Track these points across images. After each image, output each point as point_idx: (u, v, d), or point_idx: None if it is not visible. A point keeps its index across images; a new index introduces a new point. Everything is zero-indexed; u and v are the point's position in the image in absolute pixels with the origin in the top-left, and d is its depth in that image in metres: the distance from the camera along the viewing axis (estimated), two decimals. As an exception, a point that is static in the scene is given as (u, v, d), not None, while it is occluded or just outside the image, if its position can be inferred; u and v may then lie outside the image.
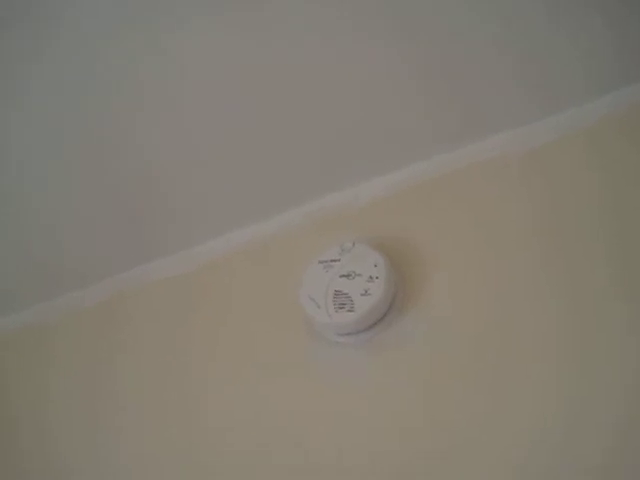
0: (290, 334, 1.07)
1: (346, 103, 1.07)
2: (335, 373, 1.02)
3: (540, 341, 0.93)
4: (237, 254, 1.20)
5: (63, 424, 1.16)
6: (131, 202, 1.18)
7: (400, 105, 1.07)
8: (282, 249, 1.16)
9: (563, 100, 1.08)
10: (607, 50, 1.03)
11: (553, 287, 0.95)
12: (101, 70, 0.99)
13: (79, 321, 1.27)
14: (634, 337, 0.89)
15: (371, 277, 1.00)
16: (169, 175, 1.14)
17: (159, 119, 1.06)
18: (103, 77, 1.00)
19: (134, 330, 1.21)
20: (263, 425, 1.02)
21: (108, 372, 1.18)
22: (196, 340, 1.15)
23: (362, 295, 0.99)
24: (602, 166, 1.02)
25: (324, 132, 1.10)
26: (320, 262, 1.05)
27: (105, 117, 1.04)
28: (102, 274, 1.29)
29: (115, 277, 1.29)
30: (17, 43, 0.93)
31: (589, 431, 0.85)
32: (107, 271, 1.29)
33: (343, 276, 1.02)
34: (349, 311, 0.99)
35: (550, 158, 1.05)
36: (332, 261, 1.04)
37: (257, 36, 0.97)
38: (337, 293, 1.01)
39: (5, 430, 1.22)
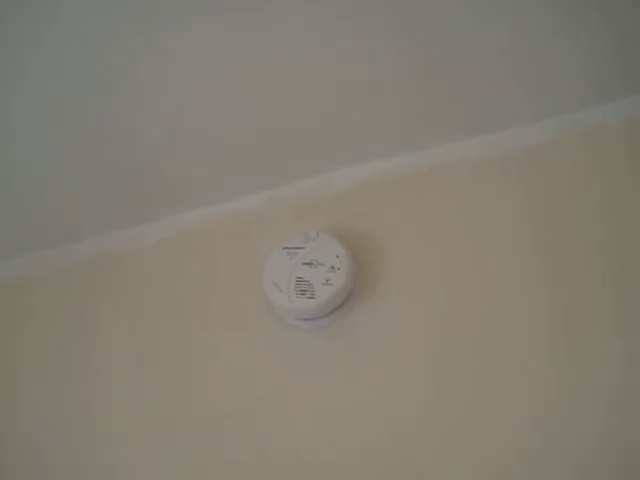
0: (251, 314, 1.11)
1: (337, 97, 1.10)
2: (291, 355, 1.08)
3: (492, 334, 1.01)
4: (206, 230, 1.23)
5: (34, 382, 1.16)
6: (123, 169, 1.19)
7: (390, 101, 1.12)
8: (249, 230, 1.20)
9: (562, 103, 1.13)
10: (608, 57, 1.09)
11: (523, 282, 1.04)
12: (101, 68, 1.00)
13: (65, 276, 1.26)
14: (623, 337, 0.96)
15: (333, 267, 1.05)
16: (157, 146, 1.15)
17: (156, 107, 1.08)
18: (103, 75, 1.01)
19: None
20: (221, 397, 1.07)
21: (87, 330, 1.19)
22: (164, 310, 1.17)
23: (323, 284, 1.04)
24: (599, 169, 1.09)
25: (307, 119, 1.13)
26: (284, 248, 1.09)
27: (104, 101, 1.06)
28: (92, 232, 1.29)
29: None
30: (16, 27, 0.93)
31: (573, 433, 0.92)
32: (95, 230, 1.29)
33: (306, 264, 1.07)
34: (309, 298, 1.04)
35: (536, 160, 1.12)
36: (296, 248, 1.09)
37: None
38: (299, 280, 1.06)
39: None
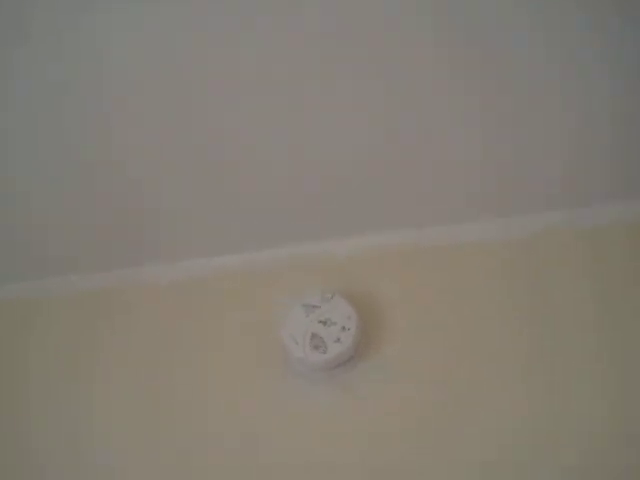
0: (266, 361, 1.27)
1: (354, 174, 1.26)
2: (299, 399, 1.23)
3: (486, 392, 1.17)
4: (226, 277, 1.38)
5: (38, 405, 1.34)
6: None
7: (399, 183, 1.28)
8: (266, 282, 1.36)
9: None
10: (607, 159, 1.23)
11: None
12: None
13: (67, 304, 1.43)
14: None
15: (344, 327, 1.22)
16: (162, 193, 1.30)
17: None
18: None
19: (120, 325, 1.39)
20: (236, 438, 1.22)
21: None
22: (177, 354, 1.33)
23: (334, 342, 1.21)
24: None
25: (323, 185, 1.28)
26: (303, 305, 1.26)
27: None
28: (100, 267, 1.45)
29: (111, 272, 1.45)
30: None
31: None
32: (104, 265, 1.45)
33: (321, 322, 1.23)
34: (322, 353, 1.20)
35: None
36: (313, 307, 1.25)
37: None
38: (314, 335, 1.22)
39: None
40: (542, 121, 1.16)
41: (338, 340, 1.20)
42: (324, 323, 1.23)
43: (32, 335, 1.42)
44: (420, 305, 1.27)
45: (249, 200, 1.31)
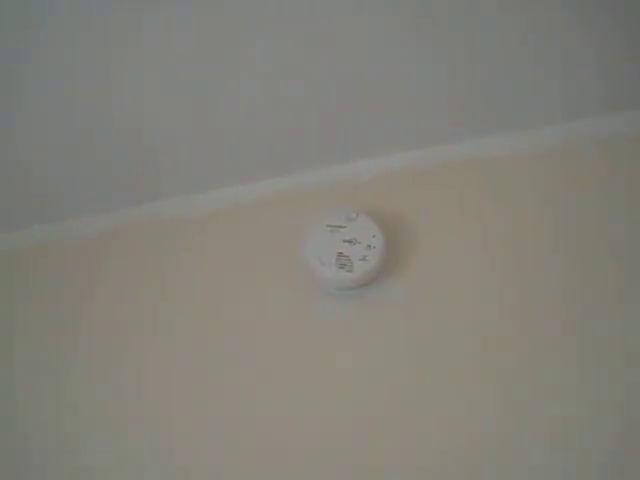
0: (293, 282, 1.27)
1: (373, 87, 1.23)
2: (326, 319, 1.24)
3: (510, 314, 1.16)
4: (246, 206, 1.38)
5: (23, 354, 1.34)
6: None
7: (421, 97, 1.26)
8: (291, 206, 1.35)
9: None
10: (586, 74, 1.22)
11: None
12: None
13: (64, 251, 1.43)
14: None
15: (369, 246, 1.21)
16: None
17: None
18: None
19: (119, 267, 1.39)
20: (265, 359, 1.23)
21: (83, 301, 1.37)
22: (193, 283, 1.33)
23: (360, 260, 1.20)
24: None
25: (344, 105, 1.26)
26: (328, 226, 1.25)
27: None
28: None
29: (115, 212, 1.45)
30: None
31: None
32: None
33: (346, 241, 1.22)
34: (348, 271, 1.20)
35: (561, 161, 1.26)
36: (338, 227, 1.24)
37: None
38: (340, 255, 1.21)
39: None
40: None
41: (364, 258, 1.20)
42: (350, 242, 1.22)
43: (18, 286, 1.42)
44: (446, 223, 1.26)
45: (270, 125, 1.29)
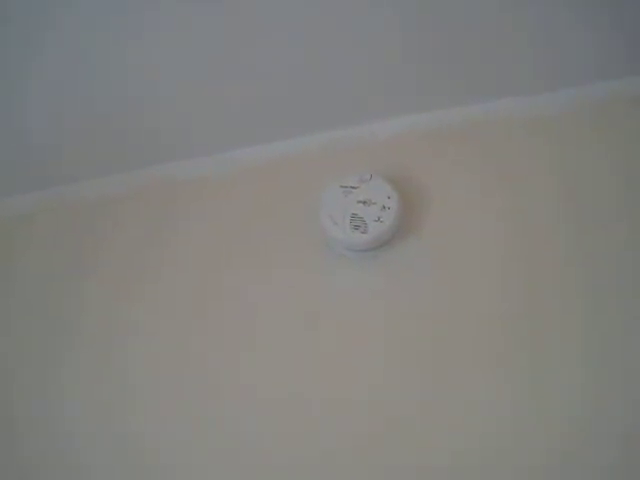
0: (306, 245, 1.26)
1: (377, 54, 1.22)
2: (341, 280, 1.23)
3: (522, 275, 1.16)
4: (259, 168, 1.36)
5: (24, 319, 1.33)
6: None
7: (427, 60, 1.24)
8: (304, 168, 1.33)
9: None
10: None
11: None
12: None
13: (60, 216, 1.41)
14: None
15: (384, 207, 1.19)
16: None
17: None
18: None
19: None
20: (280, 320, 1.22)
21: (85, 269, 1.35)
22: (204, 247, 1.31)
23: (375, 221, 1.18)
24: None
25: (358, 69, 1.25)
26: (341, 187, 1.23)
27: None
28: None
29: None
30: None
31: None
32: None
33: (360, 202, 1.21)
34: (362, 233, 1.18)
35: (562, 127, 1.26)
36: (352, 187, 1.22)
37: None
38: (354, 216, 1.20)
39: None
40: None
41: (379, 219, 1.18)
42: (364, 203, 1.20)
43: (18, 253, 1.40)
44: (460, 185, 1.24)
45: (284, 88, 1.28)
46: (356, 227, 1.19)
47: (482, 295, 1.16)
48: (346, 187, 1.23)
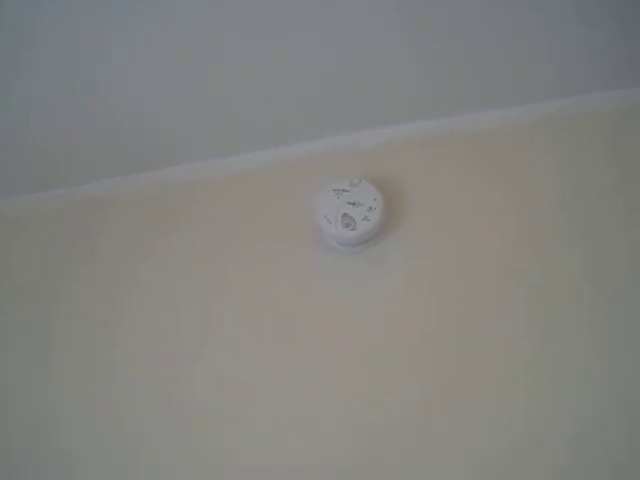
0: (303, 240, 1.45)
1: (382, 67, 1.39)
2: (335, 271, 1.42)
3: (499, 269, 1.35)
4: (255, 173, 1.54)
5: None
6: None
7: (417, 73, 1.41)
8: (300, 173, 1.52)
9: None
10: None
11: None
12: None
13: (53, 218, 1.54)
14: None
15: (370, 208, 1.39)
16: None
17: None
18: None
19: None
20: (277, 303, 1.41)
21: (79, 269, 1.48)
22: (215, 245, 1.48)
23: (363, 220, 1.38)
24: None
25: (349, 79, 1.41)
26: (334, 190, 1.43)
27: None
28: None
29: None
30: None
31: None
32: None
33: (350, 203, 1.40)
34: (352, 230, 1.38)
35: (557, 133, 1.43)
36: (343, 190, 1.42)
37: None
38: (345, 215, 1.40)
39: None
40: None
41: (366, 218, 1.38)
42: (353, 204, 1.40)
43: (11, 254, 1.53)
44: (437, 188, 1.44)
45: (283, 95, 1.44)
46: (347, 225, 1.39)
47: (456, 288, 1.35)
48: (338, 190, 1.42)
